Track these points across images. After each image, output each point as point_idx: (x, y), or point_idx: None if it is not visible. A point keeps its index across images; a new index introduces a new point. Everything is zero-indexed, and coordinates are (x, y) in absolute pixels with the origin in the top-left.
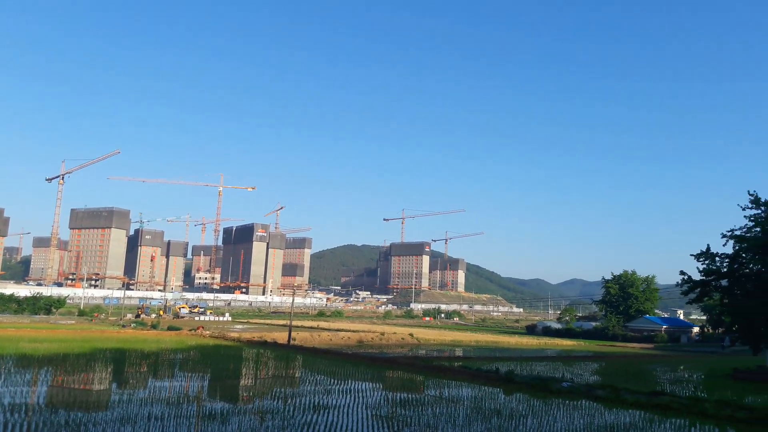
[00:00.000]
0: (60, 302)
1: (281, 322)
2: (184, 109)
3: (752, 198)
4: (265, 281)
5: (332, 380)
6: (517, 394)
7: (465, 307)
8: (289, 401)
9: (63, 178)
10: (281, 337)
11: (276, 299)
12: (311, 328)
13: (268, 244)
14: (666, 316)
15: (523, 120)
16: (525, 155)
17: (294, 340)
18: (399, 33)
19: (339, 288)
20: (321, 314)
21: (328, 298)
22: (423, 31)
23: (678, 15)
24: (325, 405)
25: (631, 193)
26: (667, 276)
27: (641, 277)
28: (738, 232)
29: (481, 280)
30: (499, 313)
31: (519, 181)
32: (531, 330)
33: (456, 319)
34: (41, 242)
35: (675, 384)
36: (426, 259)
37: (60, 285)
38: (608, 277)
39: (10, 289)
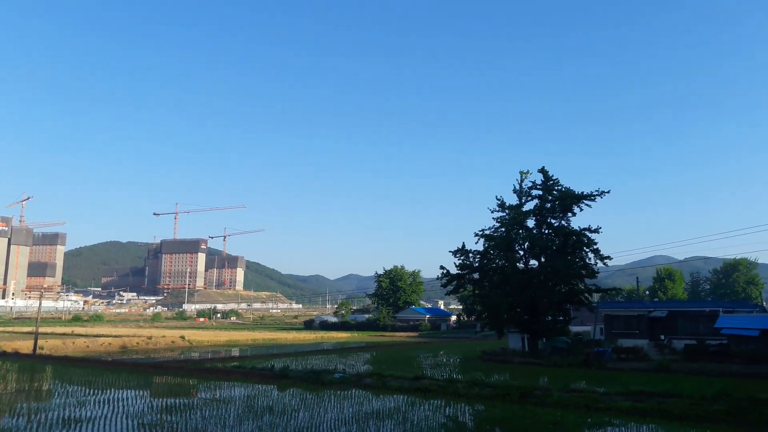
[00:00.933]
0: None
1: (27, 329)
2: None
3: (499, 202)
4: (5, 283)
5: (88, 391)
6: (291, 389)
7: (243, 305)
8: (34, 417)
9: None
10: (26, 346)
11: (20, 303)
12: (64, 334)
13: (10, 239)
14: (429, 306)
15: (299, 114)
16: (298, 149)
17: (42, 349)
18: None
19: (99, 290)
20: (77, 319)
21: (85, 301)
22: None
23: None
24: (79, 418)
25: (402, 192)
26: (431, 270)
27: (409, 271)
28: (487, 232)
29: (261, 277)
30: (279, 311)
31: (297, 178)
32: (309, 325)
33: (233, 318)
34: None
35: (435, 368)
36: (202, 256)
37: None
38: (381, 271)
39: None
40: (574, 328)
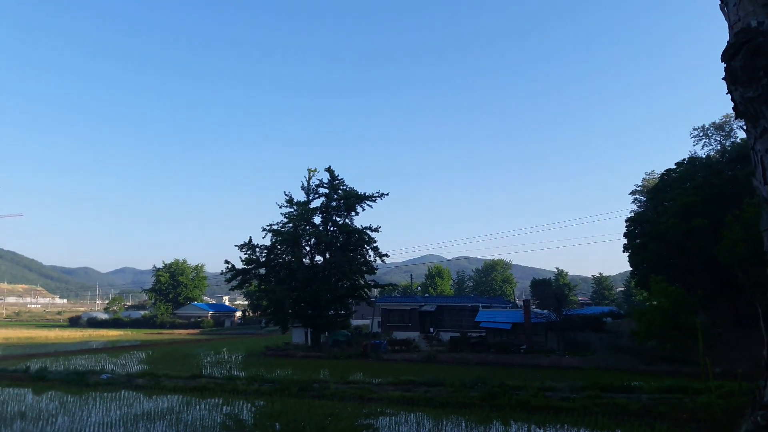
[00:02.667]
0: None
1: None
2: None
3: (287, 198)
4: None
5: None
6: (50, 392)
7: None
8: None
9: None
10: None
11: None
12: None
13: None
14: (213, 302)
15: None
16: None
17: None
18: None
19: None
20: None
21: None
22: None
23: None
24: None
25: (186, 182)
26: (216, 264)
27: (191, 265)
28: (275, 227)
29: (18, 268)
30: (39, 306)
31: (65, 156)
32: (75, 322)
33: None
34: None
35: (216, 366)
36: None
37: None
38: (160, 265)
39: None
40: (355, 322)
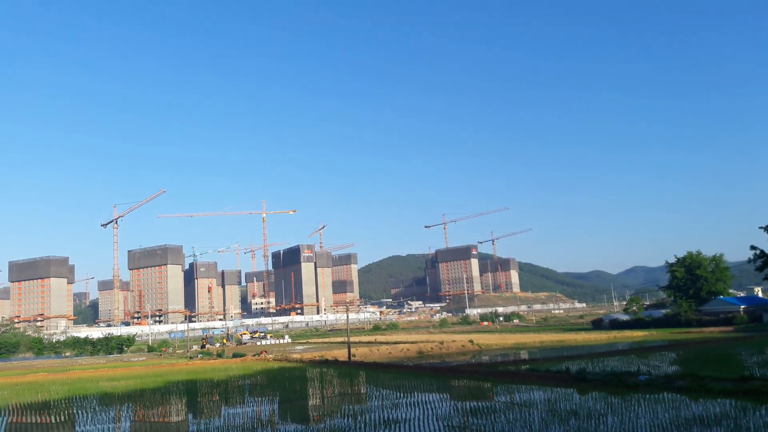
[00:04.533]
0: (130, 340)
1: (339, 339)
2: (218, 141)
3: None
4: (317, 300)
5: (398, 394)
6: (593, 393)
7: (524, 307)
8: (359, 418)
9: (116, 222)
10: (341, 354)
11: (331, 317)
12: (369, 342)
13: (315, 263)
14: (742, 295)
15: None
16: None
17: (354, 356)
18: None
19: (390, 300)
20: (377, 328)
21: (381, 311)
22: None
23: None
24: (396, 419)
25: (687, 168)
26: (736, 253)
27: (708, 257)
28: None
29: (536, 278)
30: (561, 311)
31: (561, 173)
32: (597, 324)
33: (516, 321)
34: (105, 285)
35: (766, 367)
36: (474, 262)
37: (127, 324)
38: (672, 260)
39: (84, 332)
40: None
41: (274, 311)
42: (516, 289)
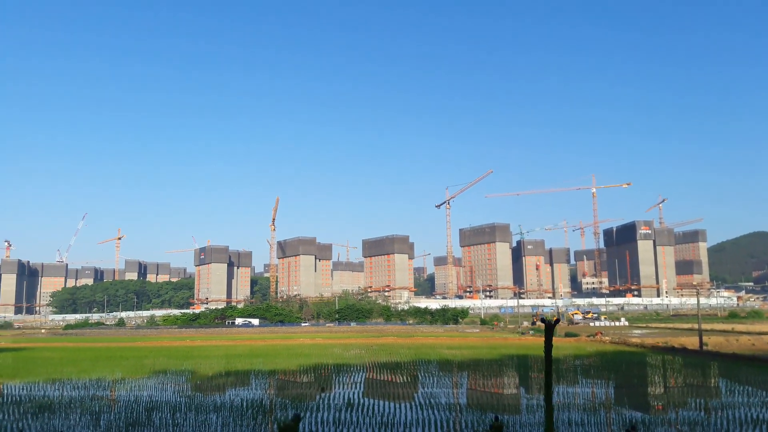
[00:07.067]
0: (464, 313)
1: (685, 325)
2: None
3: None
4: (656, 282)
5: (765, 393)
6: None
7: None
8: (714, 414)
9: (449, 203)
10: (689, 342)
11: (674, 301)
12: (724, 331)
13: (654, 241)
14: None
15: None
16: None
17: (706, 345)
18: None
19: (750, 284)
20: (733, 315)
21: (738, 297)
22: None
23: None
24: (765, 419)
25: None
26: None
27: None
28: None
29: None
30: None
31: None
32: None
33: None
34: (440, 261)
35: None
36: None
37: (460, 297)
38: None
39: (423, 302)
40: None
41: (607, 292)
42: None
